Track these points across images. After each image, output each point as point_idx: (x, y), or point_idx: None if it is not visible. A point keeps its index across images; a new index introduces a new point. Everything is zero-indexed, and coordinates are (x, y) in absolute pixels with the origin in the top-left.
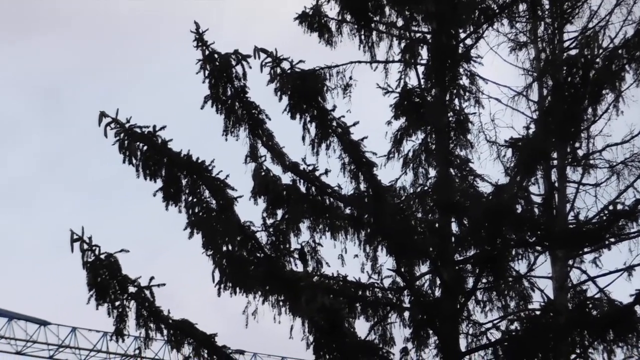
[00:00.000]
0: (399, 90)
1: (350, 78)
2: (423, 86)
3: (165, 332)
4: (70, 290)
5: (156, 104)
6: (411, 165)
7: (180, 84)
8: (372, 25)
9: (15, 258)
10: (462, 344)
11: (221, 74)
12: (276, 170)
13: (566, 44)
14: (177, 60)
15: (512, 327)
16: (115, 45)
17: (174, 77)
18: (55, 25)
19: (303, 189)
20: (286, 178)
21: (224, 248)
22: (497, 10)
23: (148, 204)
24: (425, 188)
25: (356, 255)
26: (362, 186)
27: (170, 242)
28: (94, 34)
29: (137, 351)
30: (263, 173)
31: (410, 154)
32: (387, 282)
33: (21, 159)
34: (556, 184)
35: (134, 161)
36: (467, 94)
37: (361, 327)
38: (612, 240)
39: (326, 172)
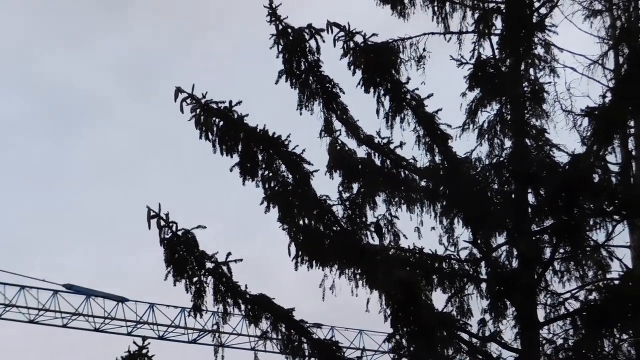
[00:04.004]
0: (473, 61)
1: (424, 50)
2: (498, 57)
3: (243, 307)
4: (149, 267)
5: (233, 79)
6: (487, 136)
7: (256, 59)
8: None
9: (105, 235)
10: (541, 314)
11: (295, 48)
12: (351, 144)
13: None
14: (255, 35)
15: (591, 297)
16: (202, 23)
17: (251, 52)
18: (146, 6)
19: (378, 162)
20: (361, 152)
21: (301, 222)
22: None
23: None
24: (501, 159)
25: (433, 228)
26: (438, 159)
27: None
28: (182, 12)
29: (215, 326)
30: (338, 147)
31: (486, 125)
32: (464, 254)
33: (114, 136)
34: (633, 153)
35: (210, 137)
36: (542, 63)
37: (438, 299)
38: None
39: (401, 145)
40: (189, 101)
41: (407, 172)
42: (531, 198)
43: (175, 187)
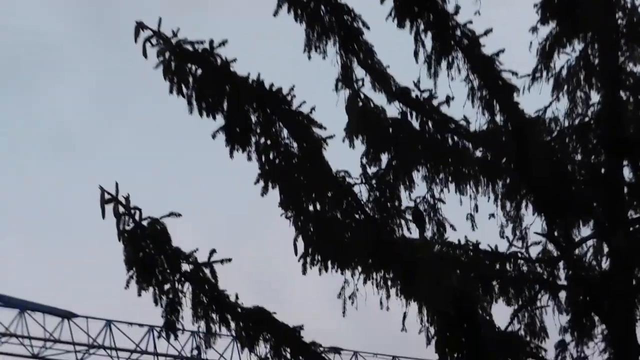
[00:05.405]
0: None
1: None
2: None
3: (232, 324)
4: (105, 271)
5: (216, 12)
6: (565, 87)
7: None
8: None
9: (48, 229)
10: None
11: None
12: (379, 99)
13: None
14: None
15: None
16: None
17: None
18: None
19: (416, 124)
20: (393, 109)
21: (310, 207)
22: None
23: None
24: (586, 119)
25: (492, 215)
26: (499, 119)
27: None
28: None
29: (195, 351)
30: (361, 103)
31: (564, 71)
32: (534, 251)
33: (71, 95)
34: None
35: (184, 90)
36: None
37: (501, 313)
38: None
39: (448, 100)
40: (154, 41)
41: (456, 138)
42: (628, 173)
43: (144, 162)
